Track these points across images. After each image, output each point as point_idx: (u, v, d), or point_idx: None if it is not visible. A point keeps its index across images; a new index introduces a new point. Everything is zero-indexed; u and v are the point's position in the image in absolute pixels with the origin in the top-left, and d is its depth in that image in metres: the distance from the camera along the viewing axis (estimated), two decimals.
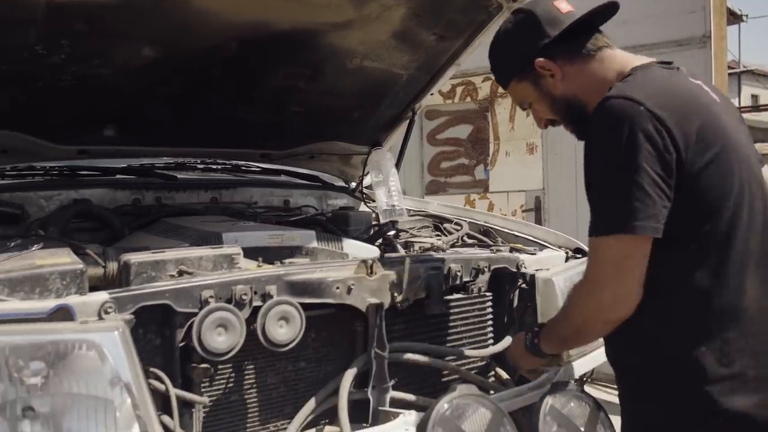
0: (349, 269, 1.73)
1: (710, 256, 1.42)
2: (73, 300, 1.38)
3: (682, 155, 1.38)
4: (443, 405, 1.36)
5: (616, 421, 1.69)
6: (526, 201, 5.62)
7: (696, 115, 1.43)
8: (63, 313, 1.35)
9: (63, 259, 1.59)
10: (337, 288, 1.69)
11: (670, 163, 1.37)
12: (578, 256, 2.39)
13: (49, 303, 1.36)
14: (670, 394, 1.45)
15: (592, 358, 2.13)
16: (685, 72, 1.58)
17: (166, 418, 1.44)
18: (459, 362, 1.92)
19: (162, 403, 1.46)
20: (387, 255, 1.99)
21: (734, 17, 9.74)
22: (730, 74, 9.58)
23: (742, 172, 1.46)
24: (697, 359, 1.40)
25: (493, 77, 1.77)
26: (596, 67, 1.58)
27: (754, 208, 1.47)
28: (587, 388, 1.91)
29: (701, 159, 1.40)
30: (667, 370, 1.45)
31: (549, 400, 1.51)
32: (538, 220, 5.39)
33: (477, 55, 2.82)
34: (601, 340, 1.81)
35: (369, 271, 1.74)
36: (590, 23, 1.62)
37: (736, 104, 11.31)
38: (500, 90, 5.77)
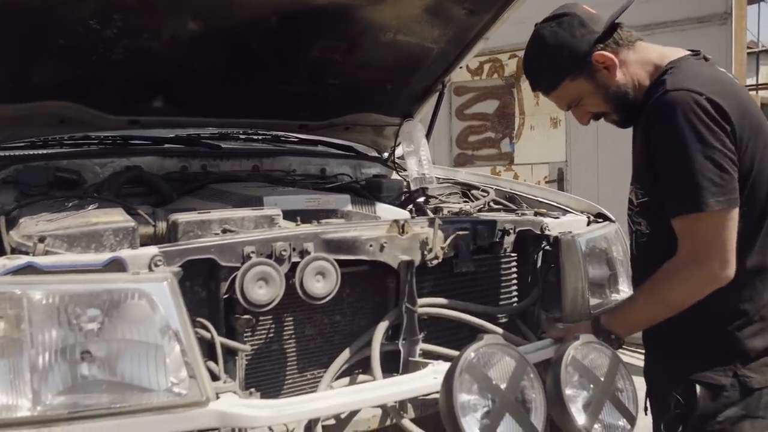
0: (382, 228, 1.72)
1: (751, 222, 1.53)
2: (125, 253, 1.39)
3: (736, 134, 1.48)
4: (470, 353, 1.34)
5: (636, 380, 1.67)
6: (549, 173, 5.54)
7: (735, 99, 1.52)
8: (116, 265, 1.36)
9: (116, 217, 1.60)
10: (371, 246, 1.67)
11: (731, 142, 1.47)
12: (599, 220, 2.34)
13: (104, 256, 1.38)
14: (704, 336, 1.57)
15: None
16: (712, 61, 1.66)
17: (211, 364, 1.45)
18: (485, 317, 1.90)
19: (208, 350, 1.47)
20: (418, 217, 1.96)
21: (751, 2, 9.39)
22: (748, 53, 9.26)
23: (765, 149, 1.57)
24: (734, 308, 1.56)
25: (537, 86, 1.74)
26: (637, 57, 1.63)
27: None
28: None
29: (746, 137, 1.50)
30: (702, 316, 1.54)
31: (571, 352, 1.49)
32: (561, 190, 5.32)
33: (504, 33, 2.76)
34: None
35: (401, 230, 1.72)
36: (616, 21, 1.66)
37: (755, 82, 10.97)
38: None
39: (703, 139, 1.44)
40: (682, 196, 1.48)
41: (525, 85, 5.68)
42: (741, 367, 1.54)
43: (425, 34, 2.55)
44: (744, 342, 1.56)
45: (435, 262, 1.76)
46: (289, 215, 1.84)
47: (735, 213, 1.48)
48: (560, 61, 1.64)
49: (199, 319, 1.49)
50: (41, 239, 1.42)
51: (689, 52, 1.64)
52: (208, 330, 1.48)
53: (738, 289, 1.54)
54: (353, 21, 2.36)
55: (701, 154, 1.44)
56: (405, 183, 2.73)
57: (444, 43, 2.63)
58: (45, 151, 2.33)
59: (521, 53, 5.93)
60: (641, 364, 1.79)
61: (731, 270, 1.48)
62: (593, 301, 2.05)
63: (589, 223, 2.30)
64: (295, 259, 1.57)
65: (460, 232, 1.84)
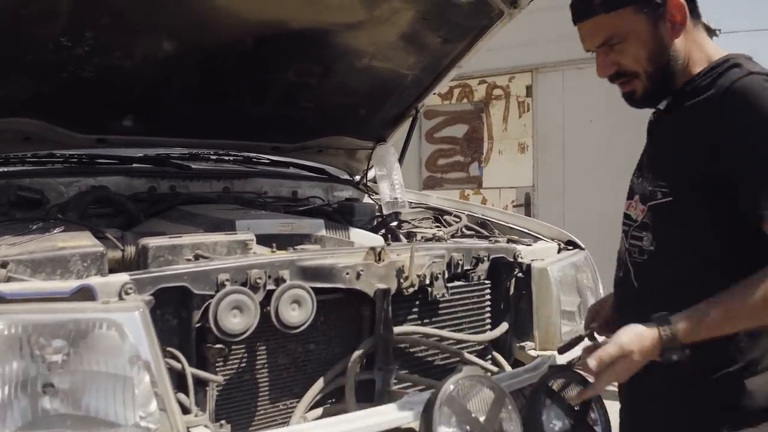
0: (359, 256, 1.69)
1: None
2: (95, 280, 1.33)
3: None
4: (449, 385, 1.32)
5: (608, 405, 1.66)
6: (516, 197, 5.60)
7: None
8: (85, 293, 1.30)
9: (84, 241, 1.54)
10: (347, 273, 1.64)
11: None
12: (570, 248, 2.36)
13: (72, 283, 1.31)
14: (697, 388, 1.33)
15: (584, 343, 2.10)
16: None
17: (182, 396, 1.39)
18: (459, 346, 1.88)
19: (178, 381, 1.41)
20: (394, 243, 1.94)
21: (709, 31, 9.72)
22: None
23: None
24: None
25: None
26: (700, 38, 1.38)
27: None
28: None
29: None
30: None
31: (547, 381, 1.47)
32: (528, 215, 5.37)
33: (474, 59, 2.79)
34: None
35: (377, 258, 1.70)
36: None
37: None
38: (495, 92, 5.73)
39: None
40: None
41: (494, 110, 5.76)
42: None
43: (400, 61, 2.56)
44: (746, 395, 1.29)
45: (411, 290, 1.74)
46: (262, 239, 1.79)
47: None
48: None
49: (169, 348, 1.43)
50: (3, 264, 1.35)
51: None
52: (178, 360, 1.42)
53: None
54: (329, 46, 2.36)
55: None
56: (377, 207, 2.71)
57: (418, 70, 2.64)
58: (6, 169, 2.24)
59: (490, 79, 6.03)
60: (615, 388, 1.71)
61: None
62: (564, 329, 2.05)
63: (559, 251, 2.31)
64: (270, 286, 1.52)
65: (436, 260, 1.82)
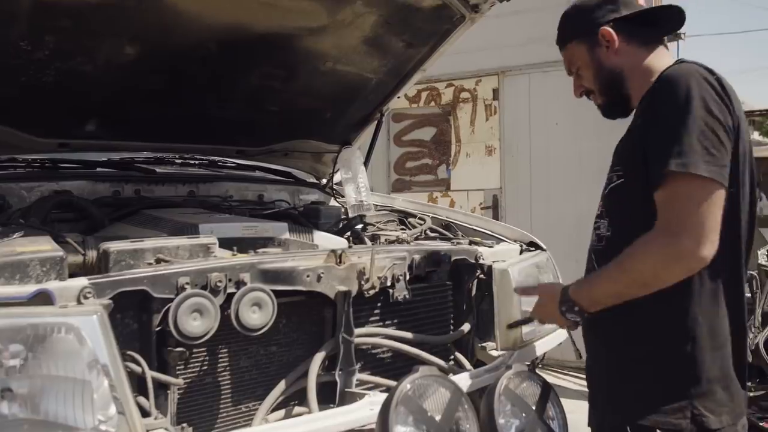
0: (319, 258, 1.71)
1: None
2: (52, 285, 1.33)
3: (734, 124, 1.41)
4: (406, 385, 1.35)
5: (565, 403, 1.71)
6: (484, 199, 5.66)
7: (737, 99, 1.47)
8: (43, 298, 1.31)
9: (43, 246, 1.54)
10: (308, 276, 1.67)
11: (731, 125, 1.39)
12: (531, 249, 2.41)
13: (30, 288, 1.31)
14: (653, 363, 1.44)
15: (544, 343, 2.16)
16: None
17: (142, 400, 1.41)
18: (421, 347, 1.92)
19: (138, 385, 1.42)
20: (355, 246, 1.97)
21: (674, 35, 9.91)
22: None
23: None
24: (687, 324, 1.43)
25: (557, 38, 1.73)
26: (648, 56, 1.59)
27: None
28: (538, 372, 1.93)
29: (738, 138, 1.42)
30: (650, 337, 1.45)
31: (504, 381, 1.51)
32: (496, 217, 5.43)
33: (441, 63, 2.83)
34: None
35: (338, 260, 1.72)
36: (657, 22, 1.63)
37: None
38: (462, 95, 5.79)
39: (709, 109, 1.37)
40: (671, 153, 1.34)
41: (461, 113, 5.81)
42: (696, 403, 1.38)
43: (364, 65, 2.59)
44: (698, 367, 1.40)
45: (372, 292, 1.77)
46: (226, 243, 1.81)
47: (722, 192, 1.35)
48: (576, 21, 1.67)
49: (129, 352, 1.44)
50: None
51: None
52: (138, 364, 1.43)
53: (700, 301, 1.41)
54: (293, 50, 2.37)
55: (702, 120, 1.35)
56: (343, 210, 2.73)
57: (383, 73, 2.67)
58: None
59: (458, 82, 6.06)
60: (578, 387, 1.79)
61: (707, 250, 1.32)
62: (525, 329, 2.09)
63: (521, 252, 2.36)
64: (230, 289, 1.54)
65: (397, 262, 1.85)
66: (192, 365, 1.57)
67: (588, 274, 1.56)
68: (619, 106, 1.65)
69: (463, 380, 1.74)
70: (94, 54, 2.07)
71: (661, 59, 1.58)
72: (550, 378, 2.85)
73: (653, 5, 1.75)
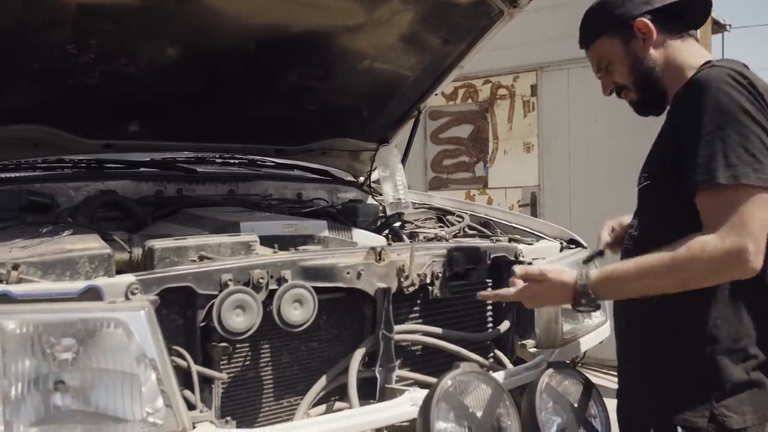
0: (359, 256, 1.73)
1: None
2: (101, 281, 1.38)
3: None
4: (447, 381, 1.36)
5: (606, 401, 1.70)
6: (522, 196, 5.61)
7: None
8: (92, 294, 1.35)
9: (92, 244, 1.59)
10: (348, 273, 1.69)
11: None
12: (572, 246, 2.39)
13: (79, 284, 1.36)
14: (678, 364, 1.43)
15: (585, 341, 2.14)
16: None
17: (187, 393, 1.44)
18: (460, 344, 1.92)
19: (184, 378, 1.46)
20: (395, 243, 1.98)
21: (718, 27, 9.66)
22: None
23: None
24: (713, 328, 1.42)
25: (581, 37, 1.67)
26: (682, 49, 1.55)
27: None
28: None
29: None
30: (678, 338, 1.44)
31: (545, 379, 1.51)
32: (534, 215, 5.38)
33: (478, 59, 2.82)
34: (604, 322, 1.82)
35: (378, 257, 1.74)
36: (684, 14, 1.59)
37: None
38: (499, 92, 5.75)
39: (750, 114, 1.32)
40: (715, 163, 1.31)
41: (499, 110, 5.77)
42: (716, 404, 1.38)
43: (401, 62, 2.60)
44: (721, 371, 1.39)
45: (411, 289, 1.78)
46: (266, 241, 1.84)
47: None
48: (606, 15, 1.60)
49: (175, 347, 1.47)
50: (15, 267, 1.40)
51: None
52: (184, 358, 1.47)
53: (721, 306, 1.40)
54: (330, 48, 2.40)
55: (746, 127, 1.31)
56: (381, 208, 2.75)
57: (420, 71, 2.68)
58: (17, 174, 2.31)
59: (495, 79, 5.99)
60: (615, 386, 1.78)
61: (760, 260, 1.31)
62: (566, 327, 2.08)
63: (561, 249, 2.34)
64: (272, 286, 1.57)
65: (436, 259, 1.86)
66: (235, 360, 1.60)
67: (611, 266, 1.49)
68: (654, 102, 1.60)
69: (504, 377, 1.74)
70: (137, 56, 2.13)
71: (694, 54, 1.54)
72: (590, 376, 2.82)
73: None
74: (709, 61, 1.47)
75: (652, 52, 1.55)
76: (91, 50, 2.01)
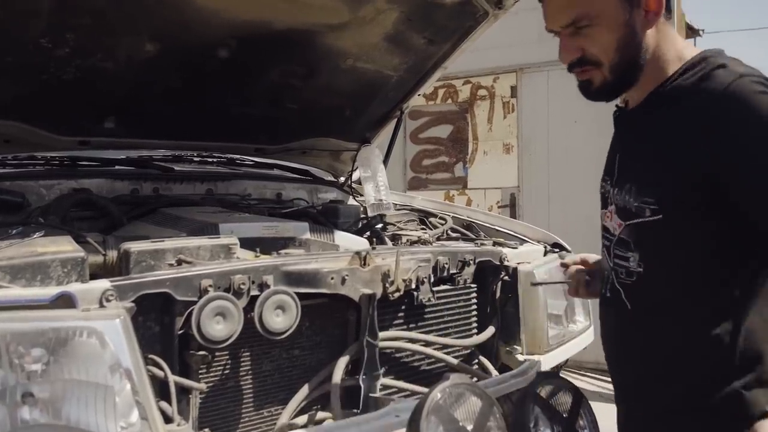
0: (344, 260, 1.68)
1: None
2: (75, 287, 1.30)
3: None
4: (436, 394, 1.31)
5: (596, 407, 1.66)
6: (502, 197, 5.60)
7: None
8: (65, 301, 1.27)
9: (64, 246, 1.51)
10: (332, 278, 1.63)
11: None
12: (556, 250, 2.36)
13: (52, 290, 1.28)
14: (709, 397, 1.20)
15: (570, 346, 2.11)
16: None
17: (164, 404, 1.38)
18: (446, 350, 1.88)
19: (160, 389, 1.39)
20: (379, 247, 1.93)
21: (692, 32, 9.78)
22: None
23: None
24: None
25: None
26: (671, 34, 1.26)
27: None
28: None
29: None
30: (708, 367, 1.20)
31: (535, 389, 1.47)
32: (513, 216, 5.37)
33: (458, 59, 2.78)
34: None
35: (362, 262, 1.69)
36: None
37: None
38: (479, 93, 5.72)
39: None
40: None
41: (479, 111, 5.74)
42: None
43: (385, 62, 2.55)
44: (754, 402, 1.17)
45: (397, 295, 1.73)
46: (246, 243, 1.78)
47: None
48: None
49: (151, 356, 1.41)
50: None
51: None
52: (160, 368, 1.40)
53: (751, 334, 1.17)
54: (313, 47, 2.34)
55: None
56: (362, 208, 2.70)
57: (403, 71, 2.63)
58: None
59: (475, 79, 5.95)
60: (597, 389, 1.72)
61: None
62: (551, 332, 2.05)
63: (545, 253, 2.31)
64: (254, 292, 1.51)
65: (422, 264, 1.81)
66: (214, 369, 1.54)
67: None
68: (619, 89, 1.28)
69: (490, 386, 1.70)
70: (114, 51, 2.05)
71: (679, 39, 1.27)
72: (569, 379, 2.80)
73: None
74: (705, 58, 1.21)
75: (650, 32, 1.22)
76: (67, 44, 1.93)
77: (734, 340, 1.18)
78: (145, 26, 1.99)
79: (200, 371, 1.50)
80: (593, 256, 1.53)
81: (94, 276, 1.54)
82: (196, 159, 2.83)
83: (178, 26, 2.03)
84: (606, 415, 1.50)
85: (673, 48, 1.24)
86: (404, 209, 2.77)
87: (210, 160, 2.85)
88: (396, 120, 2.92)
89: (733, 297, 1.17)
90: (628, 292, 1.28)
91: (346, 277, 1.65)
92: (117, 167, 2.47)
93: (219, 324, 1.43)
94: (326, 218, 2.44)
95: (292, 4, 2.09)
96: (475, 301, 2.02)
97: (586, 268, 1.53)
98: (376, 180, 2.76)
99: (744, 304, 1.17)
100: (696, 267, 1.19)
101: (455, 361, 1.85)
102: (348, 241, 2.12)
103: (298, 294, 1.55)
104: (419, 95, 2.91)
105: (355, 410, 1.65)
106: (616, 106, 1.37)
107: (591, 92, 1.28)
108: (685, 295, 1.20)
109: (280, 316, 1.51)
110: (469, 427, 1.34)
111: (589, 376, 4.59)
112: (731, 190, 1.12)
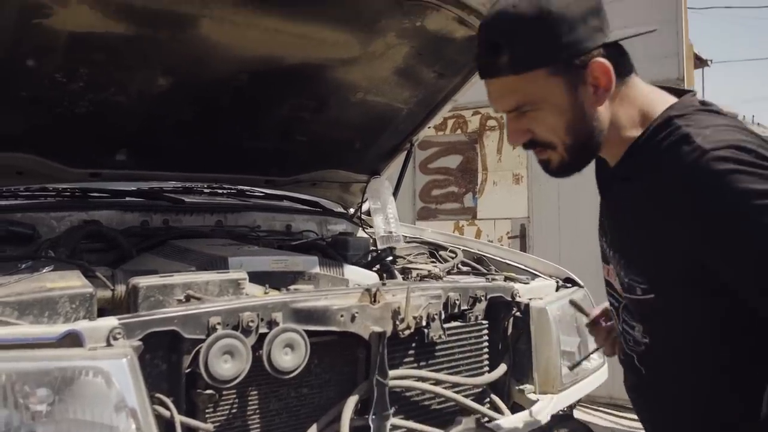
0: (354, 297, 1.65)
1: None
2: (82, 325, 1.29)
3: None
4: None
5: None
6: (512, 228, 5.57)
7: None
8: (72, 339, 1.26)
9: (73, 282, 1.50)
10: (342, 316, 1.61)
11: None
12: (568, 285, 2.33)
13: (58, 328, 1.27)
14: None
15: (584, 385, 2.07)
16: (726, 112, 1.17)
17: None
18: (456, 389, 1.84)
19: (166, 428, 1.37)
20: (389, 282, 1.91)
21: (700, 62, 9.81)
22: None
23: None
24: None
25: (500, 51, 1.11)
26: (632, 93, 1.16)
27: None
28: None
29: None
30: None
31: None
32: (523, 246, 5.34)
33: (468, 91, 2.78)
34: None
35: (372, 299, 1.66)
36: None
37: None
38: (489, 123, 5.74)
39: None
40: None
41: (488, 141, 5.75)
42: None
43: (395, 95, 2.56)
44: None
45: (407, 332, 1.71)
46: (255, 277, 1.76)
47: None
48: (550, 39, 1.08)
49: (158, 395, 1.38)
50: None
51: (691, 97, 1.17)
52: (167, 407, 1.38)
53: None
54: (323, 81, 2.35)
55: None
56: (371, 240, 2.68)
57: (413, 104, 2.64)
58: None
59: (484, 110, 5.97)
60: (609, 424, 1.68)
61: None
62: (564, 370, 2.01)
63: (558, 289, 2.28)
64: (262, 330, 1.49)
65: (433, 301, 1.79)
66: (221, 408, 1.51)
67: None
68: (580, 166, 1.20)
69: (503, 427, 1.66)
70: (127, 86, 2.06)
71: (642, 94, 1.16)
72: (580, 414, 2.74)
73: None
74: (668, 122, 1.10)
75: (602, 108, 1.13)
76: (81, 79, 1.94)
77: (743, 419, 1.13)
78: (158, 61, 2.01)
79: (207, 410, 1.48)
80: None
81: (102, 311, 1.53)
82: (206, 190, 2.83)
83: (191, 61, 2.05)
84: None
85: (636, 110, 1.15)
86: (414, 242, 2.75)
87: (220, 191, 2.86)
88: (406, 152, 2.92)
89: (740, 373, 1.12)
90: (640, 359, 1.23)
91: (355, 315, 1.63)
92: (127, 199, 2.47)
93: (227, 363, 1.41)
94: (336, 251, 2.42)
95: (303, 40, 2.10)
96: (486, 338, 1.98)
97: (610, 322, 1.49)
98: (386, 212, 2.75)
99: (754, 379, 1.11)
100: (697, 344, 1.14)
101: (466, 401, 1.81)
102: (358, 275, 2.10)
103: (307, 331, 1.53)
104: (430, 127, 2.92)
105: None
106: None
107: (552, 171, 1.21)
108: (696, 369, 1.16)
109: (289, 355, 1.49)
110: None
111: (602, 411, 4.50)
112: (720, 272, 1.05)
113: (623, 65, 1.14)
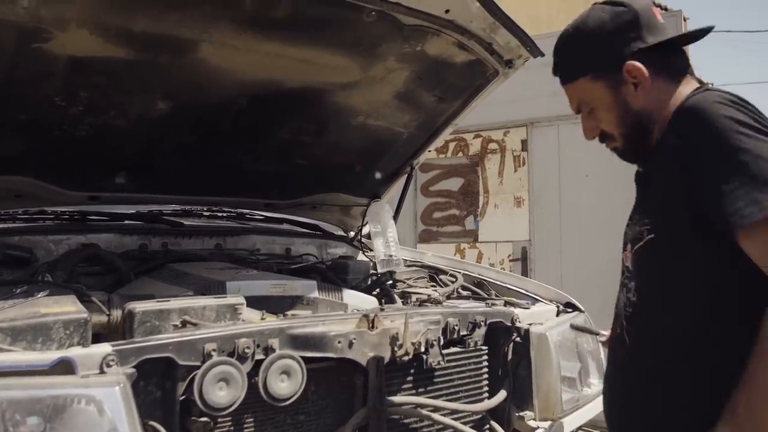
0: (351, 323, 1.64)
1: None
2: (75, 352, 1.27)
3: None
4: None
5: None
6: (513, 251, 5.55)
7: None
8: (64, 366, 1.24)
9: (67, 307, 1.49)
10: (339, 342, 1.59)
11: None
12: (569, 310, 2.31)
13: (51, 355, 1.26)
14: None
15: (585, 411, 2.04)
16: None
17: None
18: (455, 416, 1.81)
19: None
20: (387, 308, 1.89)
21: (701, 85, 9.91)
22: None
23: None
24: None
25: (556, 69, 1.43)
26: (671, 87, 1.32)
27: None
28: None
29: None
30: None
31: None
32: (525, 269, 5.32)
33: (469, 114, 2.78)
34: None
35: (370, 325, 1.64)
36: (679, 43, 1.39)
37: None
38: (490, 146, 5.75)
39: (751, 125, 1.13)
40: (750, 199, 1.09)
41: (489, 164, 5.76)
42: None
43: (395, 119, 2.56)
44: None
45: (405, 358, 1.68)
46: (253, 302, 1.74)
47: None
48: (589, 51, 1.35)
49: (151, 423, 1.36)
50: None
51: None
52: None
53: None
54: (324, 105, 2.35)
55: (756, 138, 1.11)
56: (371, 264, 2.67)
57: (414, 128, 2.64)
58: None
59: (485, 133, 5.99)
60: None
61: None
62: (565, 396, 1.98)
63: (558, 313, 2.26)
64: (258, 356, 1.47)
65: (431, 327, 1.77)
66: None
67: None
68: (641, 151, 1.37)
69: None
70: (127, 109, 2.06)
71: (673, 89, 1.32)
72: None
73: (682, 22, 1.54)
74: (698, 88, 1.30)
75: (645, 99, 1.32)
76: (80, 103, 1.95)
77: (717, 391, 1.17)
78: (158, 85, 2.01)
79: None
80: None
81: (98, 336, 1.51)
82: (205, 213, 2.82)
83: (191, 85, 2.05)
84: None
85: (669, 100, 1.32)
86: (414, 265, 2.73)
87: (219, 214, 2.85)
88: (407, 175, 2.91)
89: (722, 333, 1.19)
90: (628, 326, 1.33)
91: (353, 341, 1.61)
92: (126, 222, 2.46)
93: (222, 390, 1.39)
94: (335, 274, 2.41)
95: (304, 64, 2.11)
96: (486, 363, 1.96)
97: None
98: (386, 235, 2.74)
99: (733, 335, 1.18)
100: (681, 292, 1.22)
101: (466, 428, 1.78)
102: (357, 299, 2.08)
103: (303, 358, 1.51)
104: (430, 151, 2.92)
105: None
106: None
107: (624, 157, 1.43)
108: (676, 330, 1.23)
109: (285, 382, 1.47)
110: None
111: None
112: (698, 199, 1.17)
113: (668, 66, 1.33)
